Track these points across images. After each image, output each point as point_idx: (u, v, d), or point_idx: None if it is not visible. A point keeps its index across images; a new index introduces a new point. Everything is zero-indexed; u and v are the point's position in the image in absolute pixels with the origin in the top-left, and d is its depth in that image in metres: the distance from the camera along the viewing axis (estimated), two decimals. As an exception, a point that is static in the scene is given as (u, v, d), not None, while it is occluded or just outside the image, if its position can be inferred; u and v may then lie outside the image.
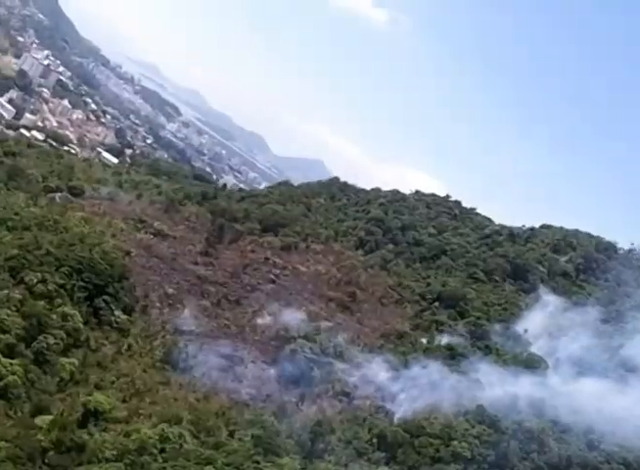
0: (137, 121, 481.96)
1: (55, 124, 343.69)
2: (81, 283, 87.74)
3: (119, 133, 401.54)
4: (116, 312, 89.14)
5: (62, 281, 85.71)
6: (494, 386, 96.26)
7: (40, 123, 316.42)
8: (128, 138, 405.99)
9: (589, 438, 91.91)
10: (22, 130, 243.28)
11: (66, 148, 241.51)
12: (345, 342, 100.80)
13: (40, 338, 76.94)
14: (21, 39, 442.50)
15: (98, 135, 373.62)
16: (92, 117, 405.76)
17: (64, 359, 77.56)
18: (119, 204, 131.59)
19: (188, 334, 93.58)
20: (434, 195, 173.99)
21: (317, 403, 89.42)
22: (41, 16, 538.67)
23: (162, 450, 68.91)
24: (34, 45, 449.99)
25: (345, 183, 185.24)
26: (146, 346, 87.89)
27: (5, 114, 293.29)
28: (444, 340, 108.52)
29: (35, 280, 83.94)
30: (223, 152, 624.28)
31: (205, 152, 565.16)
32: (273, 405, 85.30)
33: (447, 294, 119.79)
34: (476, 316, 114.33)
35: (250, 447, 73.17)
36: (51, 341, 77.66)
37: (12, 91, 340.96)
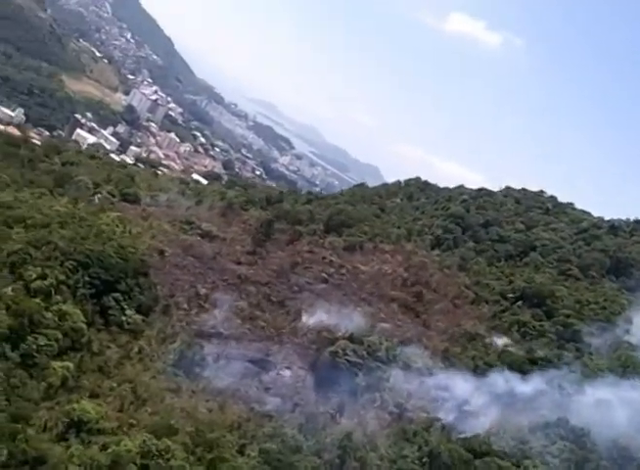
0: (248, 155, 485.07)
1: (161, 156, 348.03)
2: (87, 278, 77.21)
3: (227, 164, 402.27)
4: (128, 312, 77.58)
5: (63, 277, 75.61)
6: (584, 395, 78.60)
7: (144, 154, 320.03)
8: (236, 169, 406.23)
9: None
10: (112, 155, 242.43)
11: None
12: (402, 344, 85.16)
13: (30, 339, 67.23)
14: (131, 77, 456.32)
15: (205, 167, 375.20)
16: (200, 149, 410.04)
17: (56, 363, 67.37)
18: (175, 209, 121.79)
19: (214, 337, 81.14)
20: (524, 190, 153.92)
21: (359, 415, 74.63)
22: (155, 57, 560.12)
23: (145, 467, 57.05)
24: (145, 83, 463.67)
25: (426, 182, 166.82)
26: (160, 349, 76.05)
27: (108, 146, 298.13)
28: (526, 342, 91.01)
29: (34, 275, 74.34)
30: (335, 182, 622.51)
31: (317, 183, 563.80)
32: (302, 417, 71.39)
33: (533, 291, 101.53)
34: (565, 315, 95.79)
35: (254, 465, 60.05)
36: (42, 342, 67.72)
37: (120, 126, 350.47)
